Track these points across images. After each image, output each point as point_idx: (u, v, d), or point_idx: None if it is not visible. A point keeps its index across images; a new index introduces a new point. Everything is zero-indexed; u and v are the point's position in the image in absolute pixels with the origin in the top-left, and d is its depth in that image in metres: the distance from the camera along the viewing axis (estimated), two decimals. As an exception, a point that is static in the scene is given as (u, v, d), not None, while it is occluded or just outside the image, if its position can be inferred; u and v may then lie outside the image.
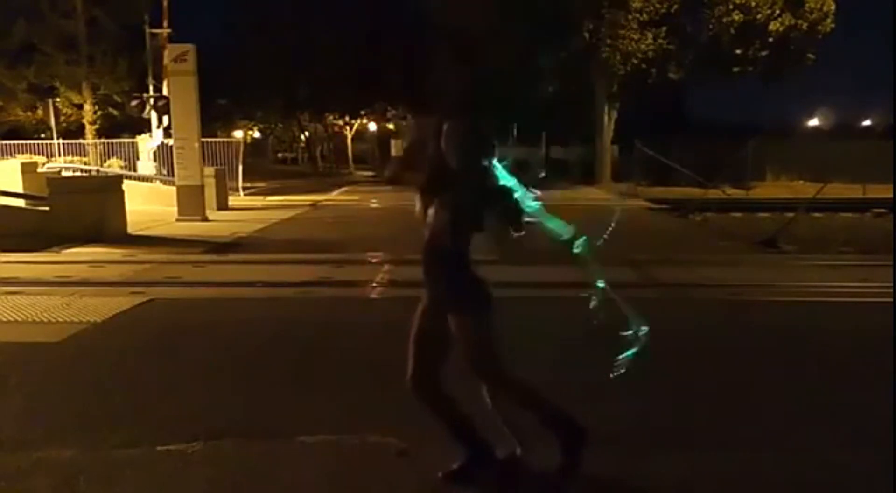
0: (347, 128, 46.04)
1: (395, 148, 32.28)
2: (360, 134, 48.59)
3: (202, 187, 15.20)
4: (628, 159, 27.82)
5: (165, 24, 19.00)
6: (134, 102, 19.67)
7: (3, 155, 21.38)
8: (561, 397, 3.12)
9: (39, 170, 17.60)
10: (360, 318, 6.25)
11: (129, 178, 17.63)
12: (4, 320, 6.10)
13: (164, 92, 17.18)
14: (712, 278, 7.80)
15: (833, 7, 24.43)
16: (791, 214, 12.51)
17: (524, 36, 24.82)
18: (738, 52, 24.77)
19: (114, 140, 23.56)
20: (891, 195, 15.27)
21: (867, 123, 42.84)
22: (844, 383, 4.54)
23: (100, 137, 25.14)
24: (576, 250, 2.91)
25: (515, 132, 30.09)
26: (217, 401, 4.22)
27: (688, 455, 3.44)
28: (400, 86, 35.69)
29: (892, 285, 6.78)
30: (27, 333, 5.73)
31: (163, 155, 19.17)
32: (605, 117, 27.12)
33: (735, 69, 25.51)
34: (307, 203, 19.44)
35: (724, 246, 11.11)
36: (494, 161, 2.95)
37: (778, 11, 24.03)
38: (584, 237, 2.93)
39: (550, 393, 3.11)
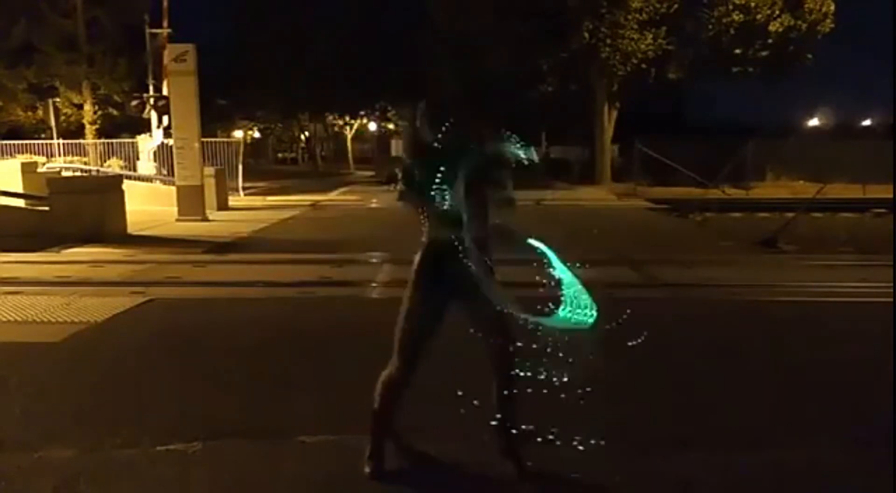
0: (347, 128, 46.05)
1: (396, 148, 32.27)
2: (360, 134, 48.61)
3: (202, 187, 15.20)
4: (628, 159, 27.81)
5: (165, 24, 18.99)
6: (134, 102, 19.66)
7: (3, 155, 21.38)
8: (561, 396, 3.11)
9: (39, 170, 17.60)
10: (360, 318, 6.24)
11: (129, 178, 17.62)
12: (4, 320, 6.09)
13: (164, 92, 17.17)
14: (712, 278, 7.80)
15: (832, 7, 24.44)
16: (791, 214, 12.50)
17: (524, 35, 24.81)
18: (737, 52, 24.77)
19: (114, 140, 23.55)
20: (891, 195, 15.27)
21: (867, 123, 42.87)
22: (844, 383, 4.54)
23: (100, 137, 25.14)
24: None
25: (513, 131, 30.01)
26: (217, 401, 4.22)
27: (688, 455, 3.44)
28: (400, 85, 35.65)
29: (892, 285, 6.79)
30: (27, 333, 5.72)
31: (163, 155, 19.16)
32: (605, 117, 27.11)
33: (735, 69, 25.51)
34: (307, 203, 19.44)
35: (724, 246, 11.10)
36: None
37: (778, 12, 24.03)
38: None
39: (550, 393, 3.10)
